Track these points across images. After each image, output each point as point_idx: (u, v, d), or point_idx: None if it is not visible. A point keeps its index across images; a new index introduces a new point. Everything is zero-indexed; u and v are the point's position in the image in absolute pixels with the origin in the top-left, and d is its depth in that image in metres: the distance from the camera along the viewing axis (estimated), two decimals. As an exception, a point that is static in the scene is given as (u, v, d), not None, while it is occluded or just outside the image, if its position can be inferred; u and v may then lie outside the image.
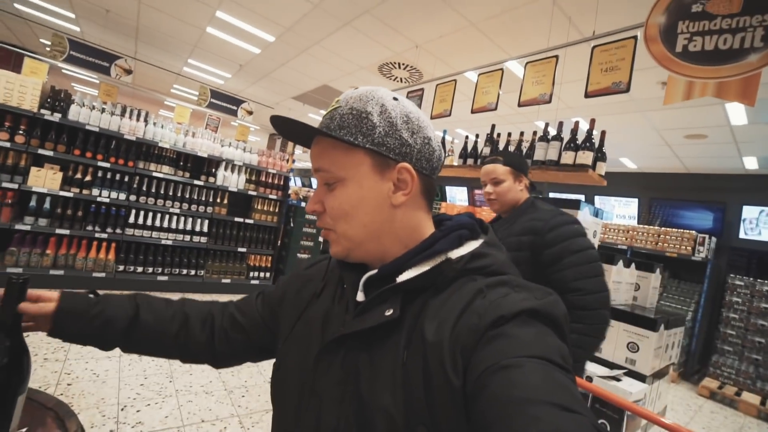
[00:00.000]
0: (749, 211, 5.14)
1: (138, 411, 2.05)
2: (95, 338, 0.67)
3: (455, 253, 0.51)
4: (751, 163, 4.80)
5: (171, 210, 4.16)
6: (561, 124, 2.53)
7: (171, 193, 4.19)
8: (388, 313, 0.47)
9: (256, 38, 4.51)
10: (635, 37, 2.05)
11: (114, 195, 3.84)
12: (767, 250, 5.02)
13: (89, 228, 3.73)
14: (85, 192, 3.71)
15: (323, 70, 5.12)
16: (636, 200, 6.29)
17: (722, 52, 1.70)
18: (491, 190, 1.45)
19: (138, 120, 4.01)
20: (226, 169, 4.48)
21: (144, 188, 4.03)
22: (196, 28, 4.60)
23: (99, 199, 3.77)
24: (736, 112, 3.50)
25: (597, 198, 6.66)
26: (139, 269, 3.99)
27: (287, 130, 0.56)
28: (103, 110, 3.80)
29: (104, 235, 3.79)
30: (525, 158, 1.30)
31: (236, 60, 5.44)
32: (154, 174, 4.05)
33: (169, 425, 1.98)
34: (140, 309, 0.70)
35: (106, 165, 3.77)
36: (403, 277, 0.49)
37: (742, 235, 5.19)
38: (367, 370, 0.47)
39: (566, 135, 2.49)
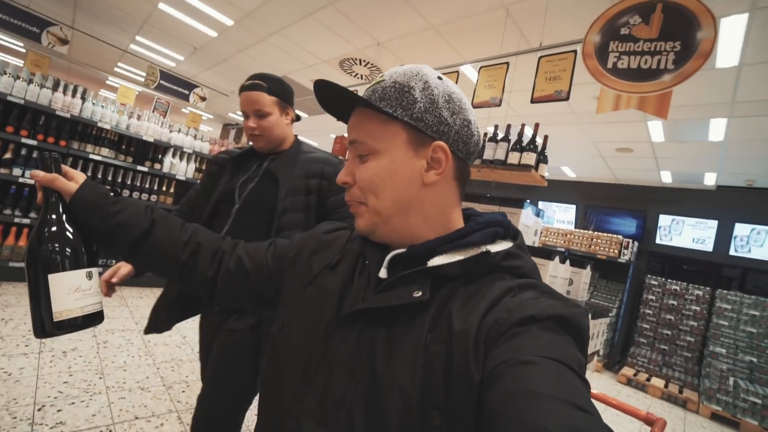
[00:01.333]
0: (664, 220, 5.84)
1: (59, 411, 1.87)
2: (103, 237, 0.65)
3: (493, 249, 0.50)
4: (666, 177, 5.47)
5: (108, 196, 3.85)
6: (509, 126, 2.72)
7: (110, 179, 3.86)
8: (417, 294, 0.47)
9: (214, 20, 4.32)
10: (575, 51, 2.27)
11: (41, 176, 3.47)
12: (677, 254, 5.74)
13: (7, 212, 3.34)
14: (3, 171, 3.32)
15: (283, 60, 5.02)
16: (574, 206, 6.87)
17: (643, 71, 1.95)
18: (255, 124, 1.22)
19: (74, 96, 3.66)
20: (174, 156, 4.23)
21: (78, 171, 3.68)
22: (147, 2, 4.30)
23: (21, 179, 3.38)
24: (656, 130, 3.98)
25: (541, 203, 7.18)
26: (68, 259, 3.64)
27: (327, 97, 0.56)
28: (30, 81, 3.43)
29: (26, 221, 3.41)
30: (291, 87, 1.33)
31: (191, 42, 5.16)
32: (91, 156, 3.71)
33: (97, 424, 1.84)
34: (155, 224, 0.68)
35: (32, 142, 3.40)
36: (435, 262, 0.49)
37: (658, 241, 5.88)
38: (384, 347, 0.47)
39: (513, 138, 2.69)
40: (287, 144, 1.32)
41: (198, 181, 1.32)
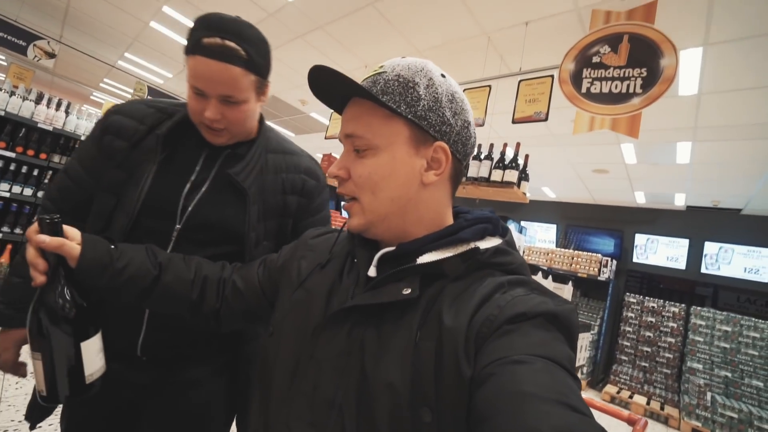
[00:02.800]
0: (640, 239, 6.07)
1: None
2: (113, 291, 0.64)
3: (482, 245, 0.50)
4: (640, 198, 5.73)
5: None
6: (492, 146, 2.84)
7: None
8: (406, 291, 0.46)
9: (204, 40, 4.40)
10: (552, 76, 2.43)
11: (17, 189, 3.37)
12: (652, 272, 5.94)
13: (-26, 224, 3.21)
14: (-24, 181, 3.22)
15: (271, 79, 5.11)
16: (555, 226, 7.07)
17: (614, 95, 2.10)
18: (219, 113, 0.76)
19: (58, 109, 3.63)
20: (158, 169, 4.19)
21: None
22: (138, 21, 4.36)
23: (-5, 192, 3.28)
24: (628, 152, 4.21)
25: (523, 222, 7.36)
26: (42, 275, 3.49)
27: (322, 85, 0.53)
28: (12, 93, 3.39)
29: (-2, 234, 3.28)
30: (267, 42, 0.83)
31: (180, 59, 5.21)
32: (72, 169, 3.65)
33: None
34: (163, 269, 0.67)
35: (10, 155, 3.32)
36: (425, 259, 0.49)
37: (635, 259, 6.09)
38: (374, 345, 0.46)
39: (496, 157, 2.81)
40: (252, 133, 0.89)
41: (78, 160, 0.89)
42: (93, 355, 0.59)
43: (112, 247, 0.64)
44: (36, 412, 0.80)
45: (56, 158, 3.57)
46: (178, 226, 0.80)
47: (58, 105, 3.61)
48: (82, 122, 3.70)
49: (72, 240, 0.59)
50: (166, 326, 0.80)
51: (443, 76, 0.53)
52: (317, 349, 0.50)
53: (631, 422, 1.07)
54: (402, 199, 0.52)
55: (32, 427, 0.81)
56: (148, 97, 5.57)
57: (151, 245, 0.70)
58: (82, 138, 3.66)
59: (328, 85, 0.53)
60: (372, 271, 0.53)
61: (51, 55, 4.56)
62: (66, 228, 0.59)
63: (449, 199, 0.56)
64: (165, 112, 0.85)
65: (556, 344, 0.40)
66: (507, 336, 0.40)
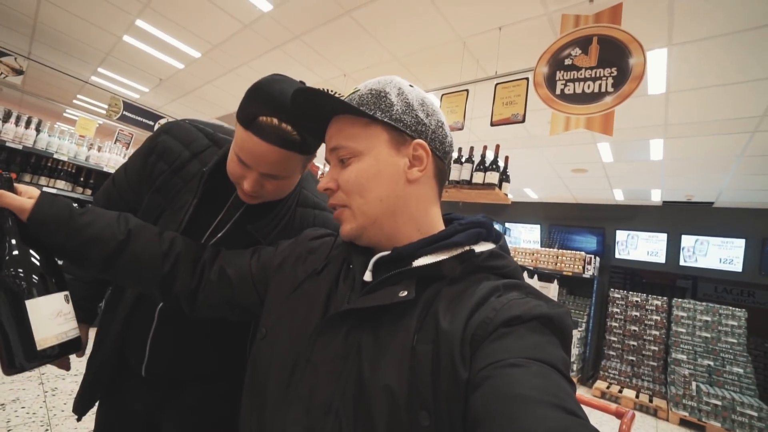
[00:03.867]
0: (621, 235, 6.22)
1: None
2: (71, 254, 0.60)
3: (477, 249, 0.51)
4: (619, 195, 5.89)
5: (63, 229, 3.62)
6: (472, 149, 2.88)
7: (64, 211, 3.67)
8: (403, 294, 0.46)
9: (181, 52, 4.35)
10: (527, 78, 2.48)
11: (-15, 210, 3.23)
12: (635, 267, 6.09)
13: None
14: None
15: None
16: (539, 226, 7.18)
17: (587, 95, 2.16)
18: (259, 186, 0.72)
19: (28, 127, 3.50)
20: (136, 185, 4.08)
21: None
22: (110, 35, 4.28)
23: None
24: (605, 150, 4.33)
25: (508, 224, 7.46)
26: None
27: (303, 110, 0.58)
28: (-22, 112, 3.26)
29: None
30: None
31: (156, 73, 5.13)
32: (44, 189, 3.52)
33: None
34: (132, 235, 0.64)
35: (-23, 175, 3.19)
36: (420, 262, 0.49)
37: (617, 255, 6.23)
38: (371, 349, 0.46)
39: (477, 159, 2.84)
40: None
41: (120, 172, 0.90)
42: (45, 318, 0.54)
43: (75, 205, 0.62)
44: (79, 405, 0.84)
45: (27, 177, 3.45)
46: None
47: (28, 123, 3.49)
48: (54, 140, 3.58)
49: (24, 195, 0.59)
50: (169, 345, 0.80)
51: (411, 86, 0.57)
52: (314, 353, 0.50)
53: (618, 415, 1.07)
54: (390, 198, 0.53)
55: (79, 419, 0.85)
56: (125, 113, 5.47)
57: (126, 214, 0.68)
58: (55, 156, 3.55)
59: (306, 115, 0.58)
60: (368, 276, 0.53)
61: (18, 72, 4.42)
62: (22, 186, 0.59)
63: (437, 198, 0.57)
64: (212, 139, 0.84)
65: (550, 347, 0.40)
66: (502, 339, 0.40)
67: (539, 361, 0.37)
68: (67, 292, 0.59)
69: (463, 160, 2.86)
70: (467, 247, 0.50)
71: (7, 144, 3.31)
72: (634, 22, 2.25)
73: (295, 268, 0.63)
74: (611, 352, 5.27)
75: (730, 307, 4.53)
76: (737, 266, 5.22)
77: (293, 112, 0.58)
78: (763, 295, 5.53)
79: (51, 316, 0.55)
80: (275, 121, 0.65)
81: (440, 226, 0.57)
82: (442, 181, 0.58)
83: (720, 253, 5.37)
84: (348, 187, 0.54)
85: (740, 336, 4.43)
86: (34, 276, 0.55)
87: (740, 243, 5.22)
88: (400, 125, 0.53)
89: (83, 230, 0.61)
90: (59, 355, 0.55)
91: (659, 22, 2.35)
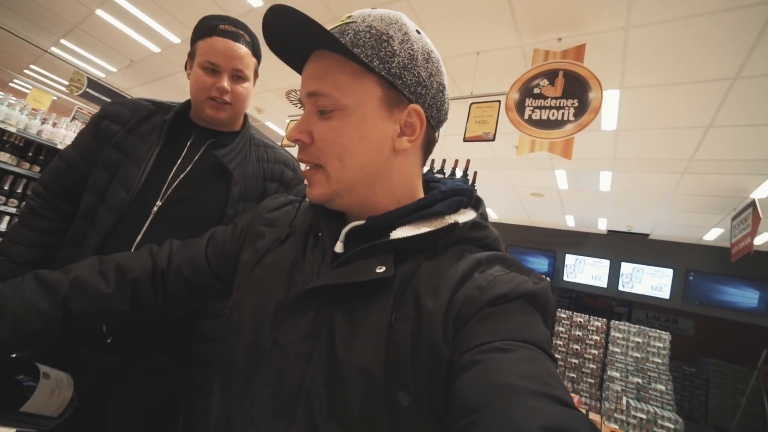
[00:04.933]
0: (569, 259, 6.71)
1: None
2: (12, 349, 0.50)
3: (458, 219, 0.47)
4: (570, 221, 6.38)
5: (2, 208, 3.32)
6: (444, 161, 3.04)
7: (6, 188, 3.37)
8: (380, 270, 0.43)
9: (159, 36, 4.21)
10: (499, 101, 2.70)
11: None
12: (580, 290, 6.57)
13: None
14: None
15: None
16: (496, 246, 7.56)
17: (552, 121, 2.40)
18: (228, 86, 0.88)
19: (-28, 91, 3.22)
20: (93, 165, 3.85)
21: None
22: (81, 6, 4.06)
23: None
24: (561, 178, 4.71)
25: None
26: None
27: (279, 31, 0.47)
28: None
29: None
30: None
31: (128, 54, 4.90)
32: (-18, 160, 3.24)
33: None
34: (68, 307, 0.55)
35: None
36: (398, 234, 0.45)
37: (565, 278, 6.69)
38: (345, 327, 0.43)
39: (448, 172, 3.01)
40: (238, 124, 0.99)
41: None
42: (43, 403, 0.54)
43: None
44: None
45: (-35, 144, 3.15)
46: (159, 202, 0.86)
47: (-26, 86, 3.22)
48: (3, 108, 3.31)
49: None
50: None
51: (418, 32, 0.48)
52: (281, 334, 0.46)
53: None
54: (372, 167, 0.47)
55: None
56: (88, 89, 5.15)
57: (38, 272, 0.56)
58: (2, 125, 3.27)
59: (286, 31, 0.46)
60: (339, 247, 0.49)
61: (-30, 31, 4.05)
62: None
63: (420, 169, 0.53)
64: (157, 105, 0.96)
65: (535, 326, 0.39)
66: (488, 319, 0.39)
67: (526, 342, 0.37)
68: (43, 372, 0.57)
69: (435, 171, 3.01)
70: (449, 219, 0.47)
71: (-53, 106, 3.03)
72: (593, 62, 2.55)
73: (255, 242, 0.58)
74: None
75: (658, 330, 5.03)
76: (665, 293, 5.81)
77: (265, 31, 0.47)
78: (684, 323, 6.18)
79: (48, 397, 0.56)
80: (232, 27, 0.88)
81: (420, 194, 0.52)
82: (429, 151, 0.53)
83: (652, 281, 5.96)
84: (325, 146, 0.47)
85: (664, 357, 4.91)
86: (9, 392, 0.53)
87: (668, 272, 5.83)
88: (398, 83, 0.45)
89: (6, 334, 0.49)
90: (74, 404, 0.60)
91: (614, 67, 2.68)
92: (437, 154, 4.66)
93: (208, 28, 0.87)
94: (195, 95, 0.90)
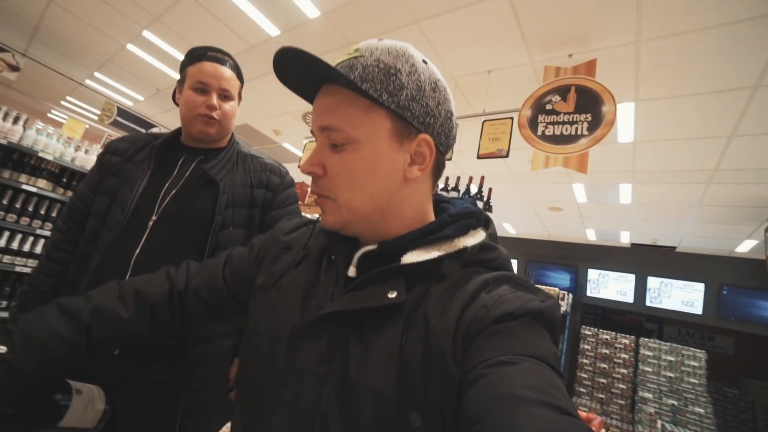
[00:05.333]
0: (592, 274, 6.50)
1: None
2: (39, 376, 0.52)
3: (467, 242, 0.49)
4: (591, 235, 6.21)
5: (39, 231, 3.50)
6: (459, 178, 3.05)
7: (43, 212, 3.56)
8: (392, 295, 0.45)
9: (182, 65, 4.46)
10: (512, 118, 2.71)
11: (-43, 203, 3.12)
12: (605, 305, 6.32)
13: None
14: None
15: (247, 108, 5.21)
16: (516, 261, 7.41)
17: (565, 137, 2.39)
18: (217, 103, 0.99)
19: (15, 123, 3.47)
20: (121, 190, 4.04)
21: (5, 202, 3.36)
22: (114, 42, 4.36)
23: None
24: (579, 191, 4.63)
25: (486, 257, 7.66)
26: (-27, 299, 3.14)
27: (291, 69, 0.49)
28: (-35, 104, 3.22)
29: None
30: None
31: (154, 83, 5.20)
32: (24, 187, 3.43)
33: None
34: (91, 334, 0.57)
35: (-48, 167, 3.10)
36: (409, 259, 0.46)
37: (589, 293, 6.46)
38: (358, 350, 0.44)
39: (462, 189, 3.01)
40: (225, 141, 1.10)
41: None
42: (78, 417, 0.58)
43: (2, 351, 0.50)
44: None
45: (6, 173, 3.36)
46: (154, 217, 0.94)
47: (16, 119, 3.46)
48: (42, 138, 3.54)
49: None
50: None
51: (425, 62, 0.50)
52: (297, 357, 0.47)
53: (587, 422, 1.16)
54: (384, 197, 0.49)
55: None
56: (117, 118, 5.46)
57: (61, 303, 0.58)
58: (40, 154, 3.50)
59: (292, 72, 0.49)
60: (352, 271, 0.51)
61: (14, 68, 4.40)
62: None
63: (431, 194, 0.55)
64: (153, 136, 1.09)
65: (542, 342, 0.40)
66: (494, 336, 0.40)
67: (531, 356, 0.37)
68: (74, 388, 0.60)
69: (450, 189, 3.02)
70: (458, 244, 0.48)
71: (-8, 138, 3.26)
72: (606, 77, 2.54)
73: (273, 266, 0.60)
74: (581, 389, 5.36)
75: (692, 348, 4.76)
76: (698, 308, 5.52)
77: (276, 69, 0.50)
78: (722, 340, 5.83)
79: (82, 410, 0.59)
80: (219, 54, 1.01)
81: (430, 217, 0.54)
82: (439, 175, 0.55)
83: (682, 296, 5.68)
84: (338, 179, 0.48)
85: (701, 377, 4.62)
86: (39, 412, 0.55)
87: (700, 287, 5.56)
88: (407, 115, 0.47)
89: (24, 360, 0.50)
90: (110, 410, 0.64)
91: (627, 80, 2.66)
92: (452, 171, 4.67)
93: (197, 55, 0.99)
94: (186, 114, 1.00)
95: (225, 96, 1.02)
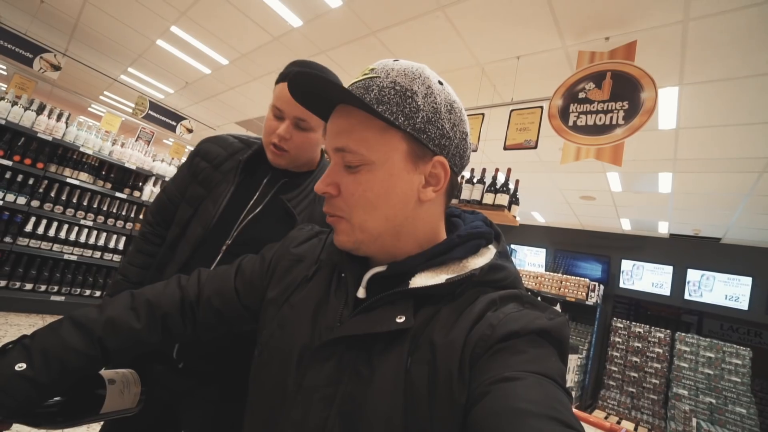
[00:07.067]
0: (626, 265, 6.21)
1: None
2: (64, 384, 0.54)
3: (475, 264, 0.48)
4: (626, 224, 5.91)
5: (82, 222, 3.74)
6: (484, 170, 2.97)
7: (85, 204, 3.80)
8: (400, 320, 0.45)
9: (209, 59, 4.54)
10: (541, 107, 2.58)
11: (10, 198, 3.37)
12: (639, 298, 6.06)
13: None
14: (-25, 191, 3.21)
15: (269, 100, 5.26)
16: (544, 250, 7.20)
17: (599, 127, 2.25)
18: (289, 134, 0.87)
19: (59, 120, 3.68)
20: (155, 184, 4.23)
21: (52, 194, 3.60)
22: (145, 38, 4.49)
23: (-1, 202, 3.27)
24: (614, 180, 4.39)
25: (514, 245, 7.48)
26: (28, 286, 3.43)
27: (307, 90, 0.49)
28: (14, 103, 3.44)
29: (-7, 243, 3.25)
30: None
31: (183, 77, 5.34)
32: (68, 180, 3.67)
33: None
34: (105, 345, 0.57)
35: (7, 163, 3.34)
36: (417, 283, 0.47)
37: (621, 285, 6.21)
38: (365, 372, 0.45)
39: (488, 181, 2.93)
40: (312, 165, 0.99)
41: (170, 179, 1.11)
42: (117, 402, 0.62)
43: (23, 366, 0.50)
44: None
45: (53, 168, 3.59)
46: (228, 241, 0.89)
47: (59, 116, 3.67)
48: (82, 133, 3.75)
49: None
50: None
51: (440, 83, 0.50)
52: (306, 379, 0.48)
53: (614, 434, 1.12)
54: (398, 218, 0.49)
55: None
56: (150, 112, 5.69)
57: (75, 316, 0.59)
58: (81, 149, 3.71)
59: (309, 93, 0.50)
60: (361, 293, 0.51)
61: (56, 68, 4.64)
62: None
63: (443, 213, 0.54)
64: (244, 142, 1.01)
65: (547, 359, 0.40)
66: (499, 354, 0.39)
67: (536, 373, 0.37)
68: (108, 379, 0.63)
69: (475, 180, 2.94)
70: (467, 267, 0.48)
71: (39, 135, 3.48)
72: (646, 60, 2.36)
73: (284, 279, 0.60)
74: (611, 382, 5.22)
75: (735, 345, 4.49)
76: (743, 304, 5.18)
77: (292, 92, 0.51)
78: (770, 336, 5.46)
79: (118, 397, 0.63)
80: (301, 70, 0.84)
81: (442, 235, 0.54)
82: (452, 195, 0.54)
83: (726, 290, 5.34)
84: (353, 200, 0.48)
85: (744, 375, 4.37)
86: (76, 404, 0.59)
87: (747, 281, 5.20)
88: (423, 137, 0.47)
89: (44, 373, 0.51)
90: (145, 397, 0.69)
91: (671, 63, 2.45)
92: (477, 159, 4.55)
93: (285, 73, 0.88)
94: (264, 138, 0.93)
95: (301, 127, 0.87)
